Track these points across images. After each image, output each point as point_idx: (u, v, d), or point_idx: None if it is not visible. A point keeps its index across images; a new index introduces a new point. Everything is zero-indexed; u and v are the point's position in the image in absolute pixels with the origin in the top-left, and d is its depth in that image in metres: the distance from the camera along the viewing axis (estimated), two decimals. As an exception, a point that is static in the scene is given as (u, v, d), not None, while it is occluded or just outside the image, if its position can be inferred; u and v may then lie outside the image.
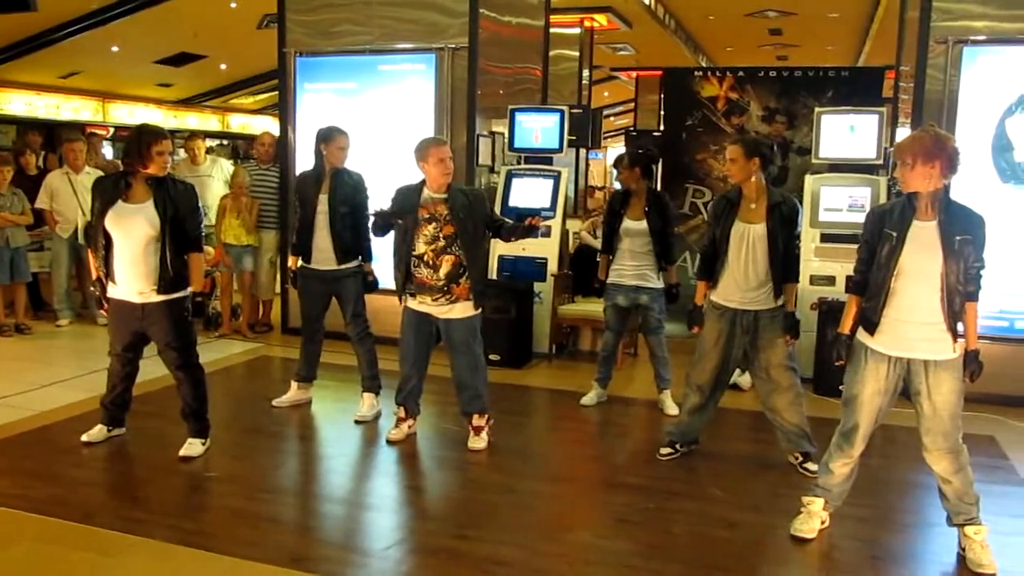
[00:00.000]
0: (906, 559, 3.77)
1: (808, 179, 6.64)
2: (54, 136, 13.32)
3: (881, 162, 6.27)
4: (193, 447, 4.59)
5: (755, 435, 5.06)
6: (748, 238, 4.42)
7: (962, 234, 3.45)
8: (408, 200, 4.69)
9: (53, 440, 4.85)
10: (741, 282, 4.44)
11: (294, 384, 5.58)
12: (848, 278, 3.81)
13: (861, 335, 3.66)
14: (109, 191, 4.40)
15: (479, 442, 4.83)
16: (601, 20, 12.44)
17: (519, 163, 7.34)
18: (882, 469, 4.67)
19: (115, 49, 13.55)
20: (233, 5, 11.92)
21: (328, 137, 5.28)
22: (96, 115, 16.44)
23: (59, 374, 6.12)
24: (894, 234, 3.49)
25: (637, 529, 3.95)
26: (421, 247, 4.63)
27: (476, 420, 4.87)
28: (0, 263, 7.30)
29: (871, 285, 3.59)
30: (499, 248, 7.08)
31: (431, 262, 4.64)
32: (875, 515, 4.11)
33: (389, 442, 4.90)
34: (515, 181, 7.21)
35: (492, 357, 6.65)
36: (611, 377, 5.88)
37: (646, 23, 13.26)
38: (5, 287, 7.45)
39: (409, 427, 4.99)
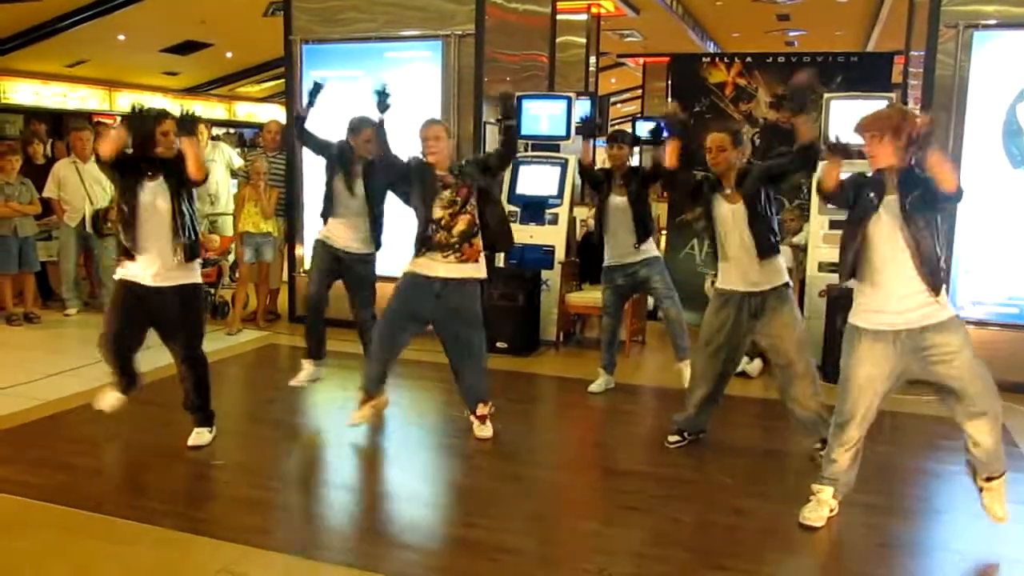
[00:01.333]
0: (914, 547, 3.76)
1: (818, 165, 6.59)
2: (61, 125, 13.35)
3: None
4: (201, 436, 4.60)
5: (763, 422, 5.06)
6: (731, 220, 4.41)
7: (915, 189, 3.49)
8: (422, 173, 4.73)
9: (62, 429, 4.87)
10: (746, 267, 4.40)
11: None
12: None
13: (853, 317, 3.67)
14: (131, 171, 4.37)
15: (485, 431, 4.81)
16: (608, 6, 12.38)
17: (526, 150, 7.32)
18: (890, 456, 4.66)
19: (121, 38, 13.56)
20: (239, -7, 11.92)
21: (355, 129, 5.30)
22: (103, 104, 16.46)
23: (68, 363, 6.14)
24: (871, 196, 3.58)
25: (644, 516, 3.95)
26: (439, 212, 4.65)
27: (480, 409, 4.83)
28: (8, 253, 7.32)
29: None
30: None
31: (447, 223, 4.65)
32: (884, 502, 4.09)
33: (352, 424, 4.81)
34: (522, 168, 7.19)
35: (499, 345, 6.68)
36: (615, 363, 5.87)
37: (653, 9, 13.21)
38: (14, 276, 7.47)
39: (373, 407, 4.88)
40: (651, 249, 5.68)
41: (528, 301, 6.74)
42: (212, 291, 7.61)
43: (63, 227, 7.78)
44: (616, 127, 23.87)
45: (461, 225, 4.65)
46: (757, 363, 6.19)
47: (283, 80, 8.20)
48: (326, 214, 5.37)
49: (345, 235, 5.31)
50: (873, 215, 3.55)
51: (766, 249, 4.34)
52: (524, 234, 7.02)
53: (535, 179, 7.12)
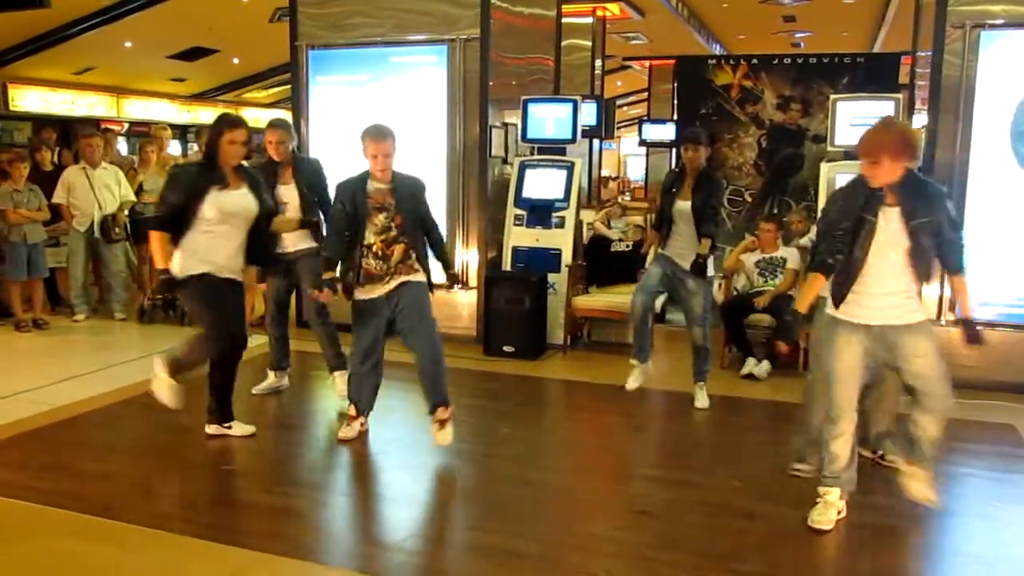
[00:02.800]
0: (925, 549, 3.74)
1: (824, 167, 6.59)
2: (69, 132, 13.41)
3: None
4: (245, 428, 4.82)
5: (771, 424, 5.04)
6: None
7: (924, 217, 3.51)
8: (353, 193, 4.52)
9: (70, 434, 4.88)
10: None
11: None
12: (816, 256, 3.79)
13: (830, 310, 3.72)
14: (200, 180, 4.43)
15: (445, 436, 4.58)
16: (613, 9, 12.38)
17: (532, 154, 7.32)
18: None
19: (128, 44, 13.62)
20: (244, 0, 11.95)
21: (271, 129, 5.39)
22: (111, 110, 16.52)
23: (77, 369, 6.16)
24: (871, 219, 3.54)
25: (653, 520, 3.94)
26: (371, 237, 4.51)
27: (440, 413, 4.58)
28: (18, 259, 7.34)
29: (839, 264, 3.64)
30: (513, 239, 7.08)
31: (380, 252, 4.53)
32: (894, 505, 4.07)
33: (341, 441, 4.72)
34: (528, 172, 7.19)
35: (506, 348, 6.69)
36: (649, 348, 5.64)
37: (659, 11, 13.20)
38: (23, 283, 7.50)
39: (361, 424, 4.81)
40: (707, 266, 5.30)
41: (535, 305, 6.73)
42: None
43: (72, 233, 7.81)
44: (623, 126, 23.88)
45: (397, 255, 4.55)
46: (765, 364, 6.18)
47: (289, 86, 8.22)
48: None
49: (289, 239, 5.30)
50: (873, 232, 3.55)
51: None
52: (530, 237, 7.02)
53: (541, 182, 7.12)
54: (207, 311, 4.51)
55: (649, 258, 5.81)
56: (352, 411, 4.76)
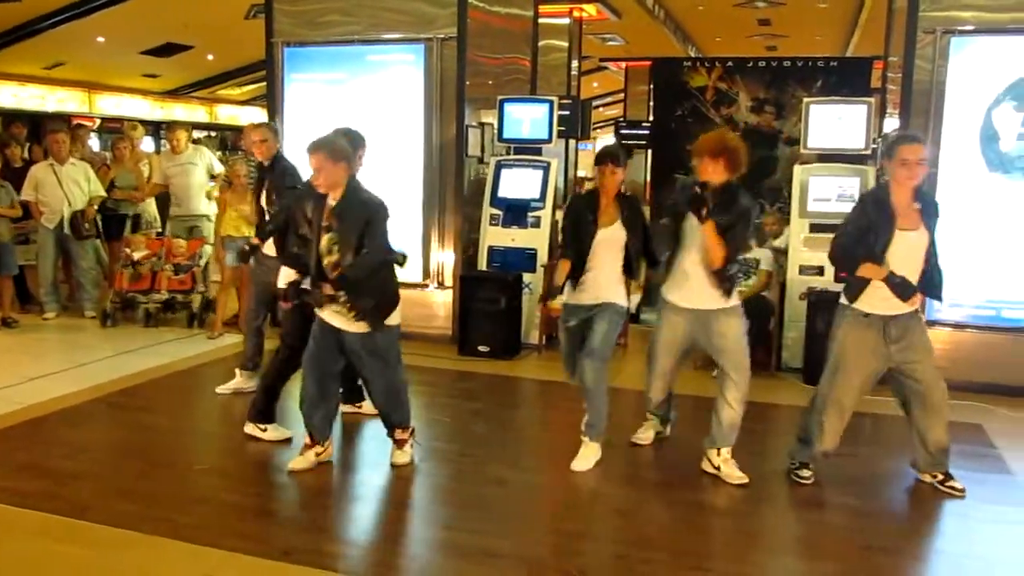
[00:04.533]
0: (897, 548, 3.79)
1: (797, 169, 6.65)
2: (40, 127, 13.26)
3: (870, 152, 6.29)
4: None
5: (745, 424, 5.07)
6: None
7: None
8: (314, 202, 4.16)
9: (42, 433, 4.82)
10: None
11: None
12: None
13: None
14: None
15: (401, 456, 4.44)
16: (590, 10, 12.41)
17: (508, 154, 7.33)
18: (873, 459, 4.70)
19: (101, 40, 13.48)
20: (220, -5, 11.87)
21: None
22: (82, 106, 16.37)
23: (47, 367, 6.09)
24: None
25: (627, 519, 3.96)
26: (323, 258, 4.13)
27: (399, 433, 4.46)
28: (-13, 256, 7.26)
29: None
30: (488, 239, 7.08)
31: (328, 275, 4.13)
32: (866, 505, 4.13)
33: (290, 472, 4.32)
34: (504, 171, 7.20)
35: (481, 348, 6.69)
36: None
37: (635, 13, 13.25)
38: (-8, 281, 7.41)
39: (317, 454, 4.38)
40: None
41: (510, 304, 6.74)
42: (187, 297, 7.57)
43: (41, 229, 7.71)
44: (599, 127, 23.96)
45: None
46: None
47: (264, 83, 8.17)
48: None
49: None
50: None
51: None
52: (506, 237, 7.03)
53: (517, 182, 7.13)
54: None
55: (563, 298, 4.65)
56: (307, 439, 4.39)
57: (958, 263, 5.98)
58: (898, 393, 4.28)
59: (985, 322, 5.99)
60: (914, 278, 3.98)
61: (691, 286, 4.28)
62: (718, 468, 4.33)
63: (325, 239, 4.11)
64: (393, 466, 4.42)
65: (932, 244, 4.05)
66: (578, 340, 4.53)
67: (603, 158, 4.46)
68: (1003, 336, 5.94)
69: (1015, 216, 5.86)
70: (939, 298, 4.24)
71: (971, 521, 3.98)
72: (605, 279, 4.45)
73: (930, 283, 4.07)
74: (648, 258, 4.54)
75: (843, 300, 4.16)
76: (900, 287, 3.90)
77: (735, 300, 4.32)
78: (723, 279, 4.23)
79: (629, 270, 4.50)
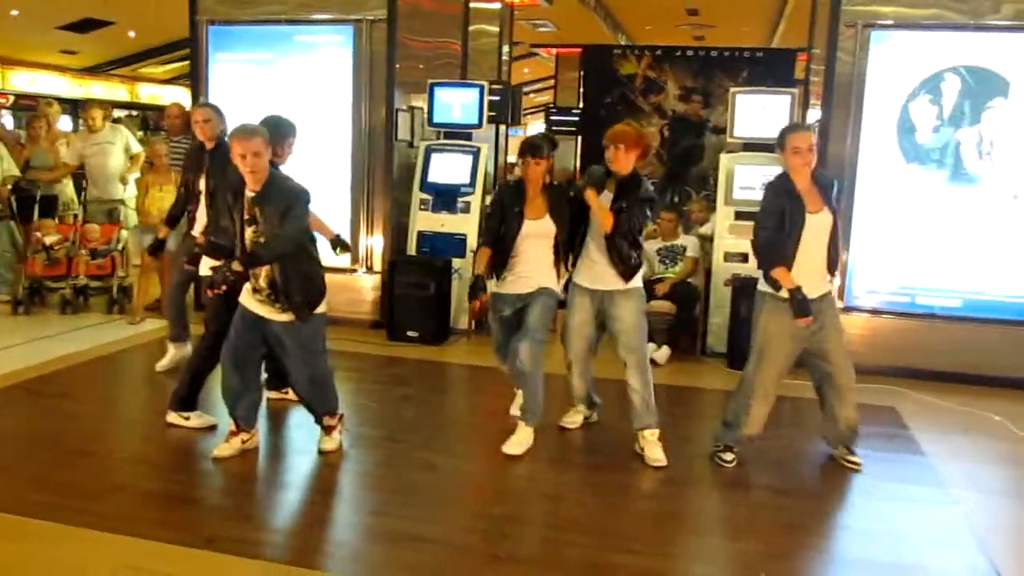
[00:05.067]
0: (815, 526, 3.90)
1: (723, 158, 6.77)
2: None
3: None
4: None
5: (672, 409, 5.16)
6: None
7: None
8: (236, 192, 4.04)
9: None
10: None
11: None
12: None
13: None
14: None
15: (329, 442, 4.40)
16: (522, -5, 12.39)
17: (438, 138, 7.29)
18: (793, 441, 4.83)
19: (14, 13, 12.95)
20: (142, -31, 11.51)
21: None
22: (-5, 82, 15.72)
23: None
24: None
25: (554, 503, 4.01)
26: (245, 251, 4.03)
27: (327, 420, 4.42)
28: None
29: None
30: (418, 224, 7.04)
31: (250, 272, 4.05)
32: (787, 486, 4.26)
33: (215, 459, 4.26)
34: (434, 156, 7.16)
35: (410, 334, 6.66)
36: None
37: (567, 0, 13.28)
38: None
39: (243, 442, 4.33)
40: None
41: (439, 290, 6.72)
42: (106, 282, 7.36)
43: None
44: (529, 113, 23.98)
45: (265, 274, 4.04)
46: (665, 350, 6.33)
47: (188, 62, 7.96)
48: None
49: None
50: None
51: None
52: (436, 222, 7.00)
53: (447, 167, 7.10)
54: None
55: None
56: (232, 426, 4.33)
57: (875, 251, 6.19)
58: (813, 375, 4.45)
59: (901, 308, 6.19)
60: (823, 256, 4.21)
61: (597, 270, 4.44)
62: (642, 449, 4.41)
63: (249, 232, 4.01)
64: (320, 452, 4.38)
65: (835, 223, 4.24)
66: (512, 329, 4.52)
67: (523, 151, 4.44)
68: (916, 322, 6.16)
69: (930, 206, 6.07)
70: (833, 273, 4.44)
71: (882, 499, 4.12)
72: (535, 270, 4.45)
73: (834, 262, 4.30)
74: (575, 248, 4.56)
75: (761, 287, 4.28)
76: (799, 304, 4.06)
77: (635, 283, 4.46)
78: (622, 259, 4.36)
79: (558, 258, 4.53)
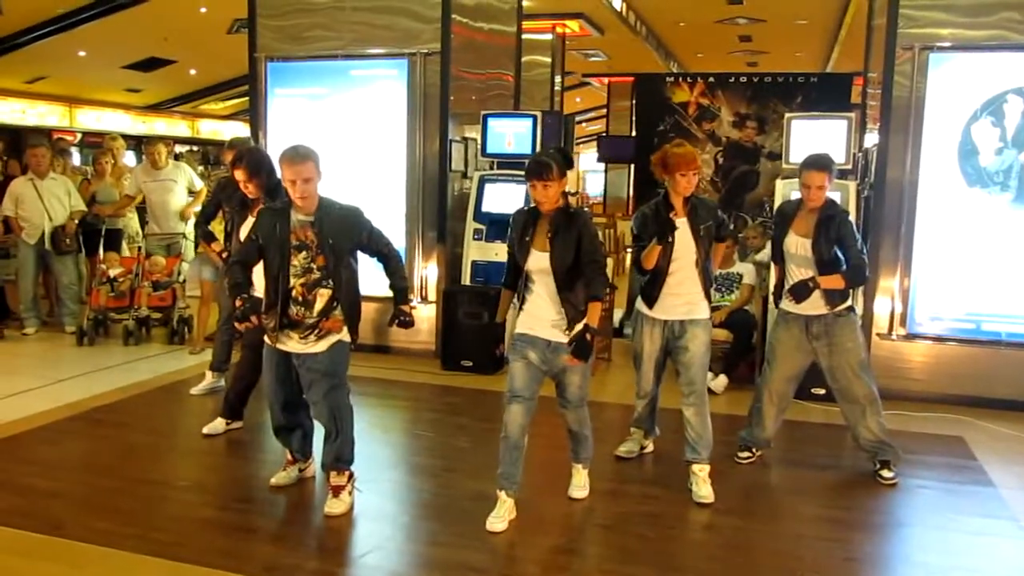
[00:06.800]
0: (879, 560, 3.79)
1: (779, 183, 6.68)
2: (20, 142, 13.17)
3: (850, 167, 6.33)
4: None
5: (727, 438, 5.08)
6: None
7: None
8: (274, 224, 3.91)
9: (18, 450, 4.76)
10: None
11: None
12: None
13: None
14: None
15: (337, 505, 4.03)
16: (573, 26, 12.50)
17: (492, 168, 7.34)
18: (854, 471, 4.71)
19: (82, 54, 13.43)
20: (203, 10, 11.85)
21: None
22: (63, 120, 16.28)
23: (25, 383, 6.02)
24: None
25: (611, 534, 3.95)
26: (291, 280, 3.90)
27: (334, 478, 4.08)
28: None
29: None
30: (472, 253, 7.07)
31: (301, 298, 3.91)
32: (848, 517, 4.14)
33: (272, 488, 4.30)
34: (488, 186, 7.20)
35: (464, 363, 6.67)
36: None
37: (618, 29, 13.35)
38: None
39: (300, 470, 4.38)
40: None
41: (493, 319, 6.71)
42: (167, 313, 7.52)
43: (21, 245, 7.66)
44: (582, 142, 24.03)
45: (321, 303, 3.94)
46: (722, 379, 6.24)
47: (247, 98, 8.16)
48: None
49: None
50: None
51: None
52: (489, 252, 7.02)
53: (501, 196, 7.13)
54: None
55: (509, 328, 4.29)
56: (288, 456, 4.36)
57: (938, 277, 6.04)
58: (835, 395, 4.70)
59: (966, 335, 6.03)
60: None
61: (670, 302, 4.44)
62: (692, 484, 4.34)
63: (300, 257, 3.89)
64: (327, 516, 4.01)
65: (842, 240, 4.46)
66: (539, 375, 4.03)
67: (528, 172, 3.86)
68: (983, 349, 5.98)
69: (994, 230, 5.92)
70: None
71: (951, 532, 3.99)
72: (546, 307, 3.92)
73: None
74: (592, 278, 3.87)
75: (771, 304, 4.75)
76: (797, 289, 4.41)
77: (706, 313, 4.44)
78: (710, 280, 4.51)
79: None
